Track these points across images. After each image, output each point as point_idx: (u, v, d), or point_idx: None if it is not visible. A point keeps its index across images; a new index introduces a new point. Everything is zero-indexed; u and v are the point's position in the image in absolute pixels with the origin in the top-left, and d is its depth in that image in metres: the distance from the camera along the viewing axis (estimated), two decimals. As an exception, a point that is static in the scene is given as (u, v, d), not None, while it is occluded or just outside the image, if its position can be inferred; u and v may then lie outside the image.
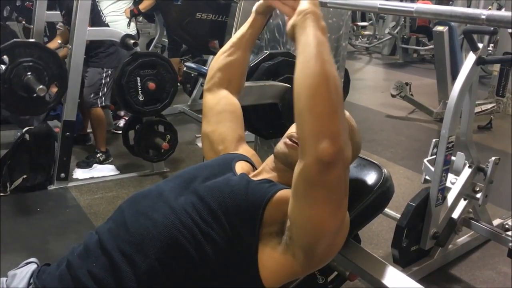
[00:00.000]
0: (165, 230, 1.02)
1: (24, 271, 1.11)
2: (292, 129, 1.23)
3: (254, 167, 1.30)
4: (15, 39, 2.92)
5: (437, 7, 1.14)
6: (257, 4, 1.49)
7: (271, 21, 2.91)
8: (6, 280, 1.12)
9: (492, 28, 2.28)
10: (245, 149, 1.39)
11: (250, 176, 1.20)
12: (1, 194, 3.01)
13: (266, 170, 1.23)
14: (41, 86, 2.68)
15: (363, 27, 10.17)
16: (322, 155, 0.87)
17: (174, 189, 1.13)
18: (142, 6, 4.33)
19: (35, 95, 2.75)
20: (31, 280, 1.08)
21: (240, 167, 1.23)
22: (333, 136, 0.87)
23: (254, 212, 1.03)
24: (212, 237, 1.01)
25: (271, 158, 1.25)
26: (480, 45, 2.29)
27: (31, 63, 2.75)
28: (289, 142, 1.19)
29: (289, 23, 0.99)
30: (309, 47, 0.91)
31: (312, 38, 0.92)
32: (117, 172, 3.53)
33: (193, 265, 1.00)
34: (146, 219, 1.06)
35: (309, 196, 0.92)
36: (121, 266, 1.00)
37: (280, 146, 1.21)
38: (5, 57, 2.73)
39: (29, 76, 2.73)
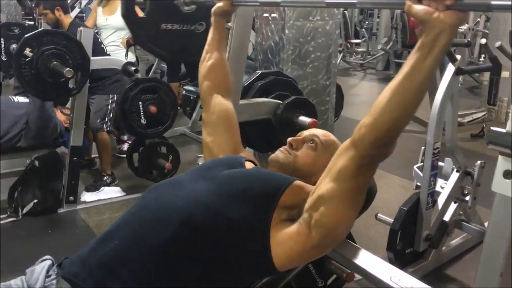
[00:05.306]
0: (185, 209, 1.15)
1: (41, 266, 1.25)
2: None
3: None
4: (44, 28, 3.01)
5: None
6: (214, 8, 1.62)
7: (263, 42, 3.08)
8: (25, 277, 1.25)
9: (466, 41, 2.44)
10: (246, 154, 1.56)
11: None
12: (14, 218, 3.14)
13: None
14: (68, 69, 2.82)
15: (357, 44, 10.37)
16: (379, 155, 1.07)
17: (192, 178, 1.28)
18: None
19: (62, 79, 2.88)
20: (49, 273, 1.21)
21: (250, 166, 1.39)
22: (393, 144, 1.06)
23: (272, 196, 1.16)
24: (228, 215, 1.14)
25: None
26: (458, 57, 2.45)
27: (56, 51, 2.87)
28: (282, 148, 1.38)
29: (420, 11, 0.96)
30: (428, 69, 0.98)
31: (435, 63, 0.97)
32: (123, 194, 3.66)
33: (208, 240, 1.13)
34: (167, 201, 1.20)
35: (353, 181, 1.07)
36: (144, 238, 1.14)
37: (274, 153, 1.39)
38: (27, 51, 2.86)
39: (55, 62, 2.85)
